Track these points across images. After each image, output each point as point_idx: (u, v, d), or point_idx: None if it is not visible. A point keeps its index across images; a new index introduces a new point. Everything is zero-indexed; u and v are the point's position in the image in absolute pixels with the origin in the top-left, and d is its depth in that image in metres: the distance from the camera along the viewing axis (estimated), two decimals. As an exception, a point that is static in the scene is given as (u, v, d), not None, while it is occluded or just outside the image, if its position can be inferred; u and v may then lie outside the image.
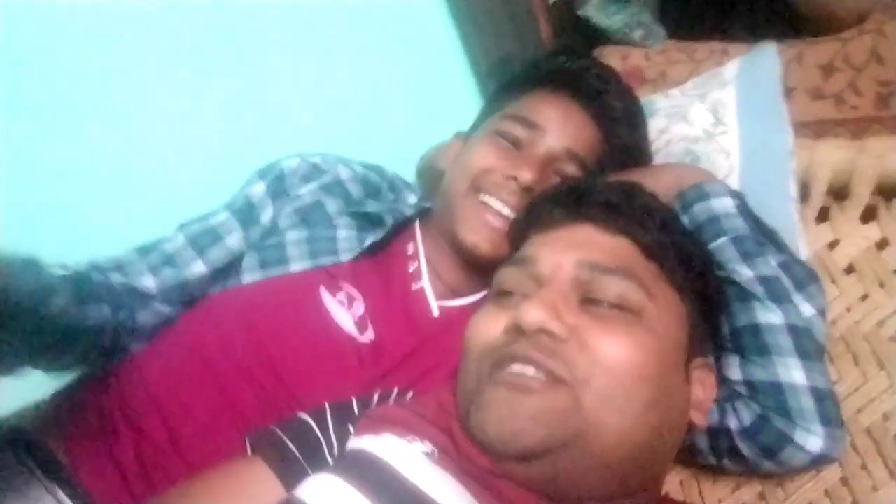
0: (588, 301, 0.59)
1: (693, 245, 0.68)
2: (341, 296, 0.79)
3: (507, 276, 0.64)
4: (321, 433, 0.63)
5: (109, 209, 1.06)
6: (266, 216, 0.86)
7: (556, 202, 0.67)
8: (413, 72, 1.32)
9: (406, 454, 0.55)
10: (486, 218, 0.80)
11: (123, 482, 0.70)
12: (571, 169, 0.83)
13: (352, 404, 0.67)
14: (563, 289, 0.59)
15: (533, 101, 0.87)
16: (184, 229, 0.85)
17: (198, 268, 0.82)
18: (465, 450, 0.57)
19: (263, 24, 1.16)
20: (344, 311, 0.78)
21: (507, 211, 0.80)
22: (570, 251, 0.62)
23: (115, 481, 0.70)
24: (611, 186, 0.69)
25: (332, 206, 0.88)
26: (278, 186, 0.89)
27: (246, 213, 0.86)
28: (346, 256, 0.82)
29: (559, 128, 0.83)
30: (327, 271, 0.81)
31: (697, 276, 0.65)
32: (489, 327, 0.61)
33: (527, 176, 0.79)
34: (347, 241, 0.84)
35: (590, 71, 0.89)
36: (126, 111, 1.04)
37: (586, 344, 0.56)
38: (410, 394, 0.71)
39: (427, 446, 0.56)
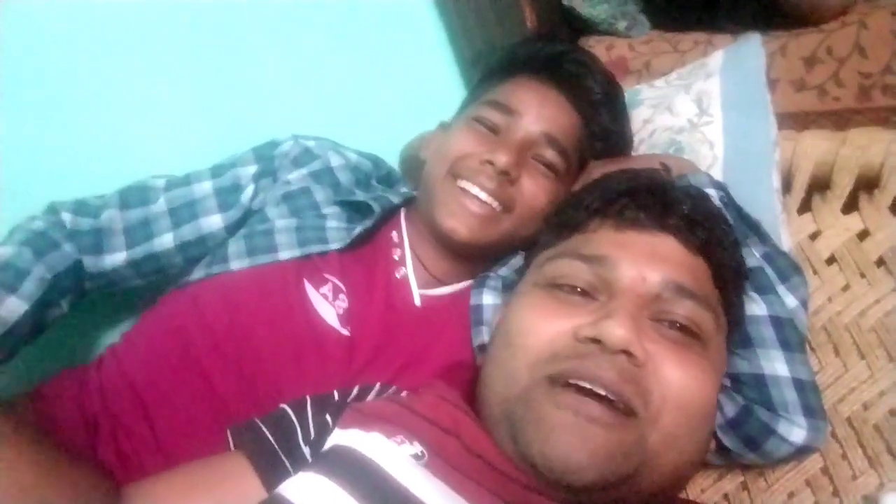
0: (658, 320, 0.56)
1: (745, 270, 0.67)
2: (325, 289, 0.78)
3: (572, 271, 0.59)
4: (298, 422, 0.62)
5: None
6: (246, 196, 0.87)
7: (638, 203, 0.62)
8: (397, 62, 1.30)
9: (394, 456, 0.54)
10: (464, 202, 0.79)
11: None
12: (550, 154, 0.82)
13: (333, 396, 0.66)
14: (640, 303, 0.56)
15: (510, 86, 0.86)
16: (167, 192, 0.85)
17: (167, 241, 0.83)
18: (485, 454, 0.55)
19: (250, 15, 1.15)
20: (327, 305, 0.77)
21: (484, 196, 0.79)
22: (655, 265, 0.57)
23: None
24: (689, 196, 0.64)
25: (320, 193, 0.87)
26: (268, 167, 0.89)
27: (230, 192, 0.86)
28: (335, 245, 0.82)
29: (536, 112, 0.83)
30: (313, 263, 0.80)
31: (740, 300, 0.65)
32: (548, 325, 0.56)
33: (502, 160, 0.78)
34: (336, 230, 0.83)
35: (568, 55, 0.88)
36: (115, 107, 1.02)
37: (660, 372, 0.53)
38: (393, 388, 0.70)
39: (416, 448, 0.55)
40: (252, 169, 0.87)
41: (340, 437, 0.58)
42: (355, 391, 0.68)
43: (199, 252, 0.84)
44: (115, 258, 0.83)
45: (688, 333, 0.56)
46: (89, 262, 0.82)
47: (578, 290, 0.58)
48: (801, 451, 0.69)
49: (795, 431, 0.67)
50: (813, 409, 0.67)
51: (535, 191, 0.81)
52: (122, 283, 0.85)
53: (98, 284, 0.84)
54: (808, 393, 0.68)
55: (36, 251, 0.76)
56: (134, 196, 0.85)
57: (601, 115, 0.87)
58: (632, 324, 0.53)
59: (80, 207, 0.84)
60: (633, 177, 0.68)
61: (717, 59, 1.01)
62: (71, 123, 0.96)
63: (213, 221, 0.84)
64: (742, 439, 0.69)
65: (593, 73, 0.87)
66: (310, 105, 1.20)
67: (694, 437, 0.55)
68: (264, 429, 0.62)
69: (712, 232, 0.62)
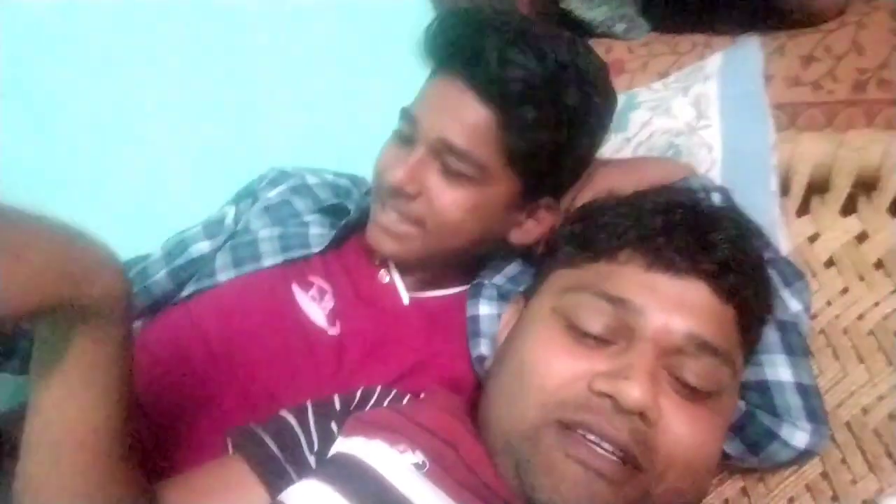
0: (674, 374, 0.54)
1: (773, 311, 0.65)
2: (313, 291, 0.79)
3: (593, 312, 0.56)
4: (302, 431, 0.62)
5: (95, 207, 1.05)
6: (229, 219, 0.89)
7: (675, 245, 0.58)
8: (393, 68, 1.31)
9: (396, 464, 0.54)
10: (378, 219, 0.77)
11: None
12: (452, 161, 0.71)
13: (333, 402, 0.66)
14: (660, 355, 0.54)
15: (423, 88, 0.77)
16: (164, 244, 0.88)
17: (161, 276, 0.84)
18: (482, 472, 0.55)
19: (247, 18, 1.16)
20: (315, 306, 0.78)
21: (392, 215, 0.75)
22: (682, 315, 0.55)
23: None
24: (729, 238, 0.59)
25: (300, 204, 0.88)
26: (247, 189, 0.93)
27: (216, 224, 0.89)
28: (317, 249, 0.82)
29: (433, 117, 0.72)
30: (299, 267, 0.81)
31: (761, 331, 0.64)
32: (563, 367, 0.54)
33: (394, 178, 0.72)
34: (319, 236, 0.84)
35: (480, 37, 0.69)
36: (110, 110, 1.03)
37: (669, 431, 0.52)
38: (394, 392, 0.70)
39: (418, 457, 0.55)
40: (232, 210, 0.91)
41: (343, 445, 0.58)
42: (358, 395, 0.68)
43: (189, 275, 0.85)
44: None
45: (705, 389, 0.54)
46: None
47: (596, 333, 0.55)
48: (803, 456, 0.68)
49: (798, 436, 0.66)
50: (816, 414, 0.67)
51: (442, 202, 0.73)
52: None
53: None
54: (812, 397, 0.68)
55: None
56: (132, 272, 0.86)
57: (522, 109, 0.69)
58: (650, 385, 0.51)
59: None
60: (672, 208, 0.61)
61: (715, 61, 1.01)
62: (58, 123, 0.97)
63: (202, 247, 0.86)
64: (744, 444, 0.69)
65: (511, 58, 0.68)
66: (304, 111, 1.21)
67: (697, 485, 0.55)
68: (265, 436, 0.61)
69: (747, 278, 0.59)
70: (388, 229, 0.76)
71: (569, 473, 0.51)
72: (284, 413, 0.64)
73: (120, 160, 1.07)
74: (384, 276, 0.83)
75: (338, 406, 0.65)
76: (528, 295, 0.68)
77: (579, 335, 0.56)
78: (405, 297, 0.82)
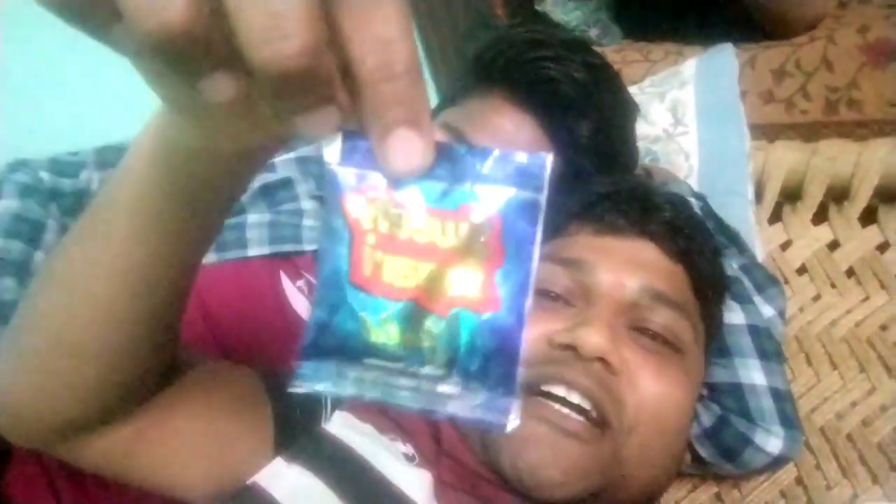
0: (635, 329, 0.55)
1: (725, 279, 0.66)
2: (301, 283, 0.75)
3: (550, 275, 0.57)
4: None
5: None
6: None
7: (619, 208, 0.61)
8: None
9: (386, 453, 0.51)
10: None
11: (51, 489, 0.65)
12: None
13: None
14: (617, 310, 0.54)
15: (477, 105, 0.73)
16: None
17: None
18: (463, 459, 0.53)
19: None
20: (303, 299, 0.74)
21: None
22: (634, 270, 0.56)
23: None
24: (670, 203, 0.62)
25: (301, 185, 0.82)
26: None
27: None
28: (309, 247, 0.78)
29: (490, 141, 0.69)
30: (290, 260, 0.77)
31: (719, 310, 0.64)
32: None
33: None
34: (312, 230, 0.79)
35: (540, 63, 0.69)
36: (108, 106, 0.99)
37: (635, 382, 0.51)
38: None
39: (408, 448, 0.52)
40: None
41: (337, 422, 0.54)
42: None
43: None
44: None
45: (665, 343, 0.55)
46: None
47: (554, 295, 0.56)
48: (777, 462, 0.68)
49: (772, 441, 0.66)
50: (789, 419, 0.67)
51: None
52: None
53: None
54: (785, 402, 0.68)
55: (39, 203, 0.71)
56: (113, 155, 0.79)
57: (578, 131, 0.70)
58: (608, 331, 0.51)
59: (56, 166, 0.77)
60: (614, 181, 0.66)
61: (690, 66, 1.02)
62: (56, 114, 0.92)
63: None
64: (719, 450, 0.68)
65: (573, 90, 0.69)
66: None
67: (669, 449, 0.54)
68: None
69: (693, 240, 0.60)
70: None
71: (532, 434, 0.49)
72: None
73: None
74: None
75: None
76: None
77: (538, 301, 0.55)
78: None
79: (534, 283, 0.25)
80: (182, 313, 0.44)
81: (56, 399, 0.41)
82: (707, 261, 0.62)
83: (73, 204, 0.75)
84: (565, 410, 0.50)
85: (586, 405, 0.50)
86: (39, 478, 0.64)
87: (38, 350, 0.40)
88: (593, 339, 0.50)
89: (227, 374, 0.53)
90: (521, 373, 0.25)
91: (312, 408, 0.54)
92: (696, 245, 0.61)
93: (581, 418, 0.49)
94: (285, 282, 0.74)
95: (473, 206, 0.24)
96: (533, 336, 0.53)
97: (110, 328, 0.39)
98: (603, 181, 0.66)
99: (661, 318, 0.55)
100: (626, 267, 0.56)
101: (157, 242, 0.36)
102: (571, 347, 0.51)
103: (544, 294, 0.56)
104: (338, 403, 0.56)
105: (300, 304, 0.74)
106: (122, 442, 0.45)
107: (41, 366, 0.41)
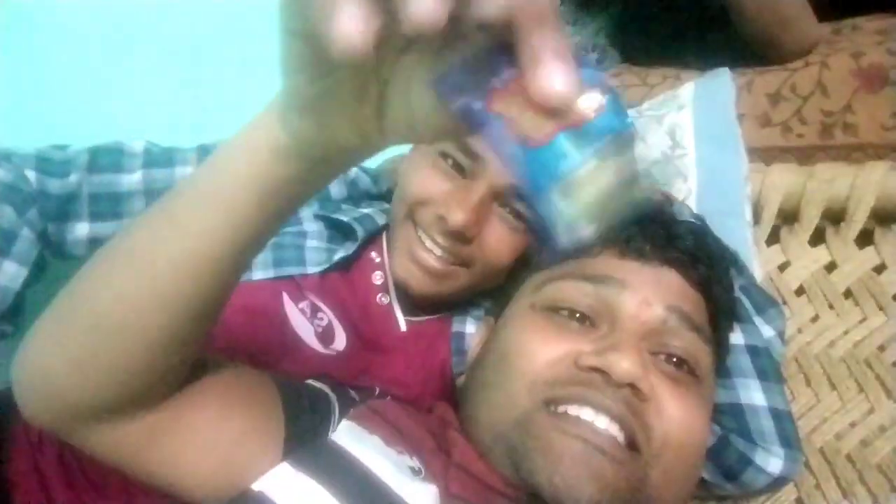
0: (657, 353, 0.55)
1: (736, 309, 0.67)
2: (304, 304, 0.75)
3: (576, 293, 0.57)
4: (337, 398, 0.58)
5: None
6: None
7: (645, 234, 0.61)
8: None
9: (392, 465, 0.51)
10: (418, 254, 0.71)
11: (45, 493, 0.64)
12: (520, 204, 0.70)
13: (350, 392, 0.63)
14: (643, 334, 0.54)
15: None
16: (146, 169, 0.77)
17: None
18: (477, 473, 0.53)
19: (248, 19, 1.15)
20: (305, 321, 0.73)
21: (439, 252, 0.70)
22: (661, 292, 0.57)
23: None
24: (692, 232, 0.64)
25: (305, 208, 0.82)
26: None
27: None
28: (312, 269, 0.77)
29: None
30: (294, 280, 0.76)
31: (727, 339, 0.65)
32: (548, 348, 0.54)
33: (457, 219, 0.67)
34: (316, 251, 0.78)
35: None
36: (109, 108, 1.00)
37: (662, 409, 0.52)
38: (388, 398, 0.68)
39: (415, 462, 0.52)
40: None
41: (344, 431, 0.54)
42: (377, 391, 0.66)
43: None
44: (78, 231, 0.74)
45: (686, 370, 0.55)
46: (52, 231, 0.73)
47: (579, 315, 0.56)
48: (778, 482, 0.69)
49: (772, 462, 0.67)
50: (789, 440, 0.68)
51: (497, 248, 0.71)
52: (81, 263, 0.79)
53: (58, 258, 0.76)
54: (785, 423, 0.68)
55: (17, 208, 0.69)
56: (105, 158, 0.76)
57: None
58: (639, 357, 0.52)
59: (43, 164, 0.74)
60: (642, 205, 0.67)
61: (688, 90, 1.03)
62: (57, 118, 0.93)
63: None
64: (720, 470, 0.69)
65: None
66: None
67: (689, 475, 0.55)
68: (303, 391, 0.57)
69: (712, 269, 0.61)
70: (430, 268, 0.71)
71: (568, 450, 0.49)
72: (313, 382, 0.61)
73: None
74: (383, 297, 0.78)
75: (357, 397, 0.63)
76: (496, 315, 0.68)
77: (562, 320, 0.56)
78: (402, 323, 0.78)
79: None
80: (224, 307, 0.45)
81: (92, 379, 0.42)
82: (724, 290, 0.63)
83: (58, 209, 0.73)
84: (597, 426, 0.50)
85: (613, 430, 0.50)
86: (31, 479, 0.64)
87: (85, 327, 0.41)
88: (624, 364, 0.51)
89: (245, 376, 0.54)
90: None
91: (321, 416, 0.55)
92: (716, 274, 0.62)
93: (613, 435, 0.50)
94: (287, 302, 0.74)
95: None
96: (558, 354, 0.54)
97: (164, 312, 0.41)
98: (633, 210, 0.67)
99: (683, 342, 0.55)
100: (653, 289, 0.57)
101: (230, 237, 0.39)
102: (600, 371, 0.51)
103: (569, 313, 0.57)
104: (345, 413, 0.56)
105: (302, 326, 0.73)
106: (138, 431, 0.46)
107: (85, 343, 0.42)
